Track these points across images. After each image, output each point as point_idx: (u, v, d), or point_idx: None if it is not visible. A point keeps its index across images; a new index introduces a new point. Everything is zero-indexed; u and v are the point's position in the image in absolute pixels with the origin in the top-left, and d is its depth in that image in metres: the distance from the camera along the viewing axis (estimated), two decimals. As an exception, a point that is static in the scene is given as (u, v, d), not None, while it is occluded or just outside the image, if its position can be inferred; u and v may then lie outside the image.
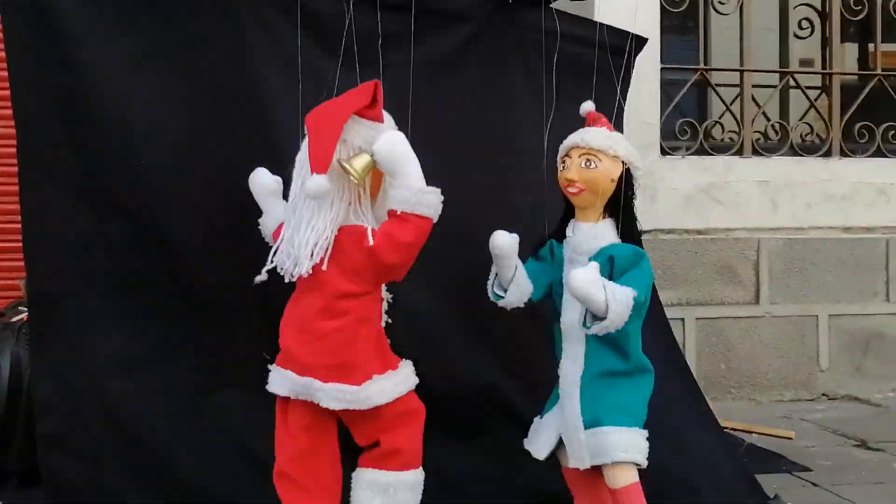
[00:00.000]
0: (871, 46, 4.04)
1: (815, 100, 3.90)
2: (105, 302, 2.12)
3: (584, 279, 1.74)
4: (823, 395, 3.64)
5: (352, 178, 1.76)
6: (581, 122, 1.98)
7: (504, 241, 1.89)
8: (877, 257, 3.73)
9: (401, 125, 1.93)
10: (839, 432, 3.11)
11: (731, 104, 3.77)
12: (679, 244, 3.54)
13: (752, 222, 3.62)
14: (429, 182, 1.79)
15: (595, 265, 1.78)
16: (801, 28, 3.93)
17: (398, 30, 2.19)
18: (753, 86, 3.75)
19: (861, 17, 3.90)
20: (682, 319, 3.46)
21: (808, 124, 3.84)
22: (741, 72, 3.73)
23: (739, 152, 3.70)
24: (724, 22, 3.77)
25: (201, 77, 2.15)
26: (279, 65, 2.16)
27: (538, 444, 1.97)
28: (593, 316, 1.79)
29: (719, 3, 3.75)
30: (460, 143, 2.33)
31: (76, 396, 2.11)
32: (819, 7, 3.96)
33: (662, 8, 3.56)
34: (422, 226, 1.77)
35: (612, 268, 1.85)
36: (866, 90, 3.86)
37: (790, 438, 2.98)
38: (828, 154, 3.79)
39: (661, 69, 3.54)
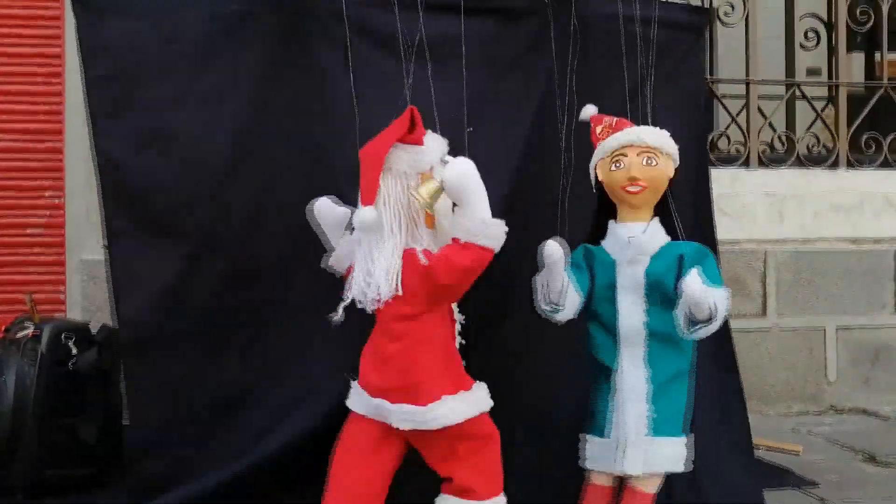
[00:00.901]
0: (877, 56, 4.04)
1: (822, 110, 3.88)
2: (200, 342, 2.10)
3: (698, 286, 1.70)
4: (831, 407, 3.62)
5: (421, 204, 1.78)
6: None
7: (556, 250, 1.81)
8: (884, 269, 3.70)
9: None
10: (848, 446, 3.09)
11: (737, 115, 3.75)
12: (686, 256, 3.52)
13: (759, 234, 3.61)
14: (492, 186, 1.78)
15: (697, 269, 1.74)
16: (807, 39, 3.92)
17: (463, 33, 2.15)
18: (759, 97, 3.75)
19: (867, 27, 3.89)
20: (689, 331, 3.44)
21: (815, 135, 3.82)
22: (747, 83, 3.72)
23: (746, 164, 3.69)
24: (730, 33, 3.76)
25: (278, 108, 2.13)
26: (358, 89, 2.11)
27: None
28: (691, 320, 1.76)
29: (724, 14, 3.74)
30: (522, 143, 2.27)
31: (177, 440, 2.08)
32: (825, 17, 3.95)
33: (668, 19, 3.55)
34: (482, 255, 1.77)
35: (680, 266, 1.83)
36: (873, 100, 3.85)
37: (798, 453, 2.96)
38: (835, 165, 3.78)
39: (667, 81, 3.53)
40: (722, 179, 3.56)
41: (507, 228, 1.77)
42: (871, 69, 4.20)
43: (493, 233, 1.76)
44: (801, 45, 3.97)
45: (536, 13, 2.28)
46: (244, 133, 2.12)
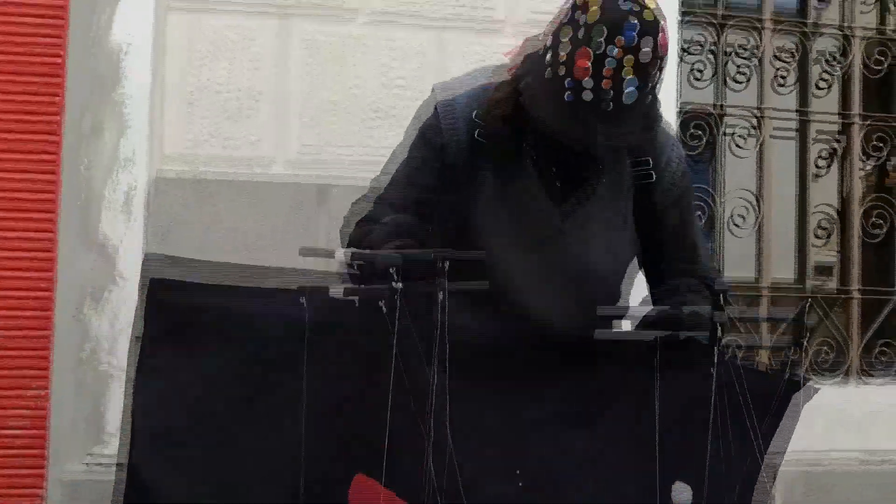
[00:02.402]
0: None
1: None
2: None
3: None
4: None
5: None
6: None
7: None
8: None
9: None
10: None
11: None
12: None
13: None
14: None
15: None
16: (818, 234, 3.90)
17: None
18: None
19: (879, 236, 3.87)
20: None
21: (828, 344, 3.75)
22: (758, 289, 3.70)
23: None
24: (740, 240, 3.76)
25: None
26: None
27: None
28: None
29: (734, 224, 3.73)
30: None
31: None
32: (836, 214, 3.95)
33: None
34: None
35: None
36: (888, 308, 3.82)
37: None
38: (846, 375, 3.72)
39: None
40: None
41: None
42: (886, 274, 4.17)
43: None
44: (813, 239, 3.95)
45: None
46: None
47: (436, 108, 1.96)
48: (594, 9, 1.71)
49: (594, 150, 1.79)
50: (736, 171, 3.81)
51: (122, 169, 3.04)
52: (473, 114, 1.91)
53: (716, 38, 3.65)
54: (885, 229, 3.80)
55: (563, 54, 1.72)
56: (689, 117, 3.57)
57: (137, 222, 3.05)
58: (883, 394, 3.70)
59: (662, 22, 1.73)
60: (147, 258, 1.76)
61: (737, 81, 3.71)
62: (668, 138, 1.98)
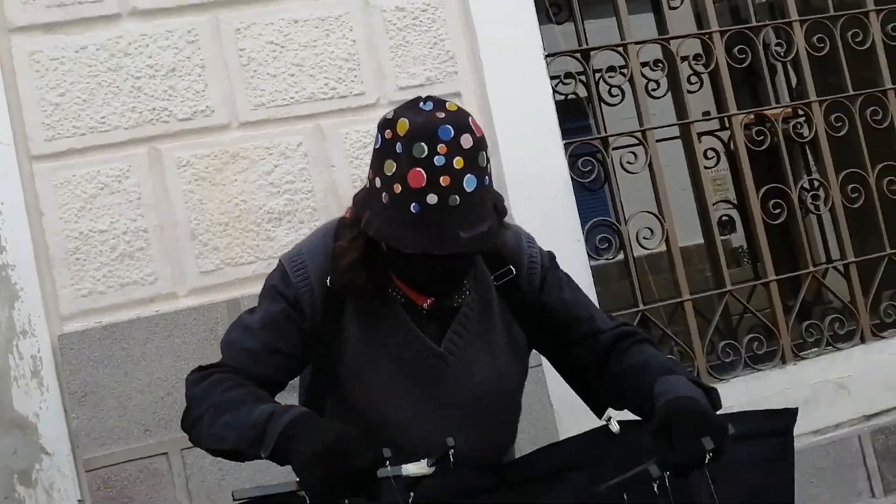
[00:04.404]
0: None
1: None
2: None
3: None
4: None
5: None
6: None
7: None
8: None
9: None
10: None
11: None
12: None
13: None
14: None
15: None
16: (723, 229, 3.96)
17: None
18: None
19: (780, 217, 3.95)
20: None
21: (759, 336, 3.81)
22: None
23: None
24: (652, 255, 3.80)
25: None
26: None
27: None
28: None
29: (642, 247, 3.77)
30: None
31: None
32: (735, 206, 4.02)
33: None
34: None
35: None
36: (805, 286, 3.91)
37: None
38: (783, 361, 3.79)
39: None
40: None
41: None
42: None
43: None
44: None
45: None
46: None
47: (280, 263, 1.95)
48: (402, 121, 1.72)
49: (463, 249, 1.75)
50: (632, 191, 3.86)
51: (22, 340, 2.93)
52: (320, 264, 1.89)
53: (583, 66, 3.68)
54: (784, 211, 3.87)
55: (392, 175, 1.72)
56: (576, 151, 3.59)
57: (51, 391, 2.93)
58: (819, 370, 3.78)
59: (463, 109, 1.77)
60: None
61: (611, 98, 3.74)
62: (510, 228, 1.98)
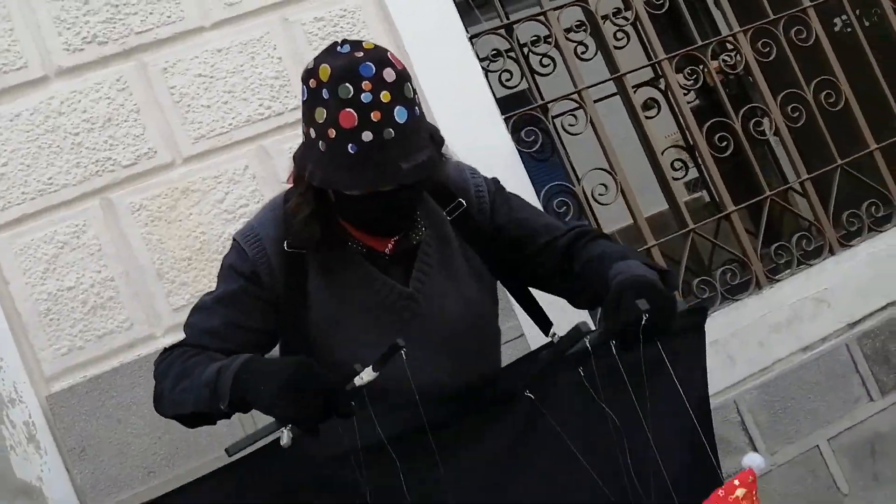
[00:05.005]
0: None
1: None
2: None
3: None
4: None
5: None
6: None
7: None
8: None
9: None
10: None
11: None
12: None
13: (715, 386, 3.61)
14: None
15: None
16: (675, 171, 4.03)
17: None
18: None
19: (728, 149, 4.02)
20: None
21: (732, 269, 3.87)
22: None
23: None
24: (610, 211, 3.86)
25: None
26: None
27: None
28: None
29: (597, 202, 3.83)
30: None
31: None
32: (684, 147, 4.08)
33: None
34: None
35: None
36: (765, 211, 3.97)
37: None
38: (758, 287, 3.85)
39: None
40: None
41: None
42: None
43: None
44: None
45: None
46: None
47: (234, 240, 2.00)
48: (323, 67, 1.76)
49: (405, 180, 1.79)
50: (581, 152, 3.92)
51: (11, 408, 2.95)
52: (271, 233, 1.93)
53: (509, 42, 3.74)
54: (731, 143, 3.93)
55: (324, 122, 1.76)
56: (518, 123, 3.65)
57: (49, 452, 2.96)
58: (795, 289, 3.83)
59: (378, 45, 1.81)
60: None
61: (543, 68, 3.81)
62: (450, 162, 2.02)
